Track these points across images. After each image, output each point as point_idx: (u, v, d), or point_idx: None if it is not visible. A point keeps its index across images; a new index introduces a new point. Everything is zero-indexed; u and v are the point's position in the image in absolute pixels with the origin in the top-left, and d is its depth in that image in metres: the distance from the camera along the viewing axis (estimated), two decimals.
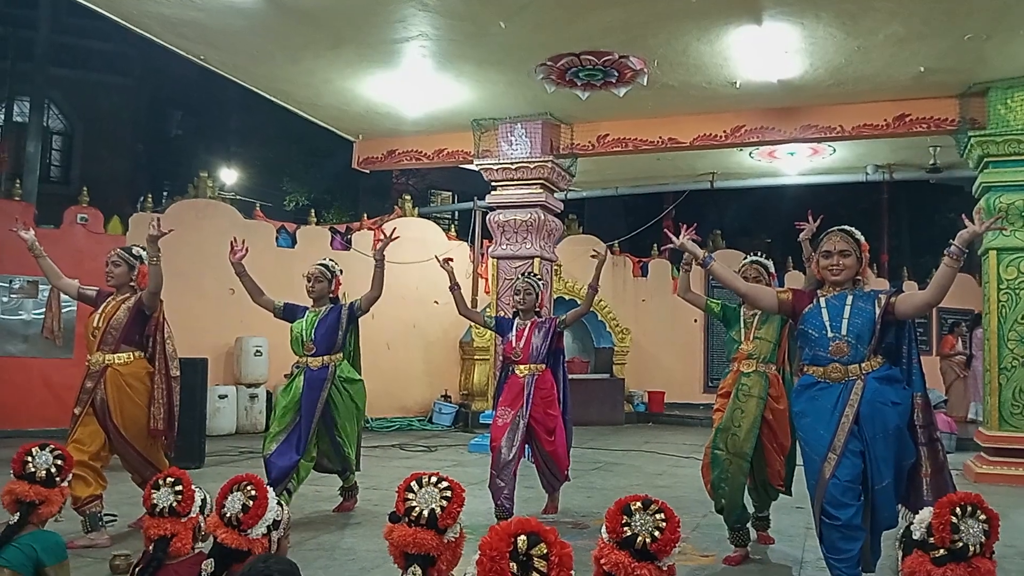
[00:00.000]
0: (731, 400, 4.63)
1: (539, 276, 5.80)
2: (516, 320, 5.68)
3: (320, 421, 5.33)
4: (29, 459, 2.70)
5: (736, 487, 4.54)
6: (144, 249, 5.02)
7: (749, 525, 4.74)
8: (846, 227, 3.74)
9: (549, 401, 5.48)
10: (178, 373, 5.10)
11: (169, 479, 2.50)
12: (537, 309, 5.70)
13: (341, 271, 5.73)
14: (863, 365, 3.49)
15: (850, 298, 3.59)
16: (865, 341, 3.50)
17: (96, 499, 4.70)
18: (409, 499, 2.08)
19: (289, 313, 5.58)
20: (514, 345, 5.52)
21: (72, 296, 5.39)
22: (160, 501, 2.44)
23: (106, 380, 4.86)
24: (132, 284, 5.10)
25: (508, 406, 5.46)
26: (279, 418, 5.36)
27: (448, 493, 2.08)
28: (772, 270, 4.95)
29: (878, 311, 3.51)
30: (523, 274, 5.86)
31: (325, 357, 5.39)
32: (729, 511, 4.56)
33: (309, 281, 5.54)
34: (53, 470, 2.69)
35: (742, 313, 4.83)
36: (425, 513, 2.04)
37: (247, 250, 5.38)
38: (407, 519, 2.05)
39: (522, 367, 5.48)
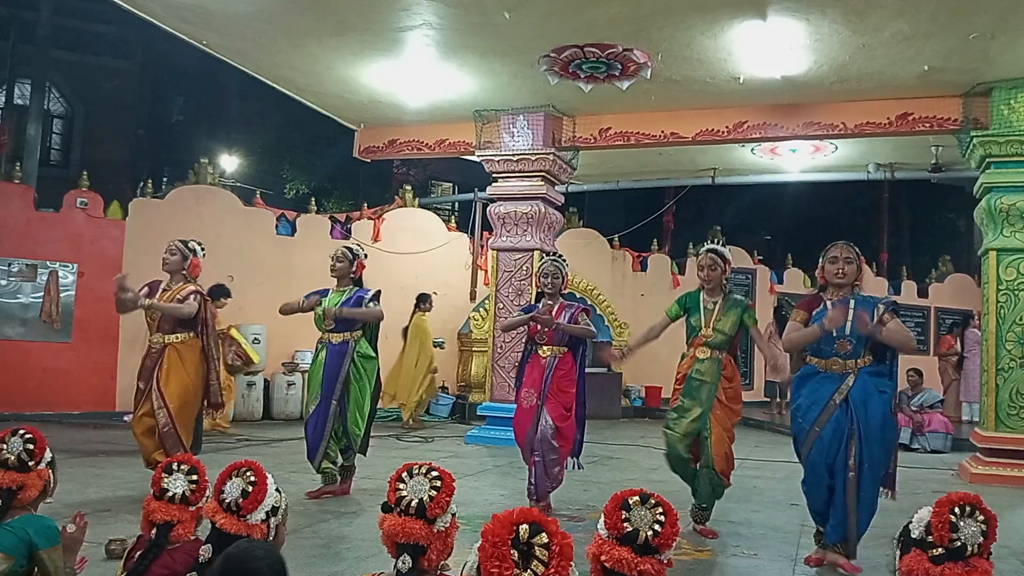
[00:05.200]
0: (685, 384, 5.01)
1: (565, 259, 5.75)
2: (541, 304, 5.63)
3: (342, 393, 5.66)
4: (3, 446, 2.70)
5: (680, 461, 5.04)
6: (199, 243, 5.67)
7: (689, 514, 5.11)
8: (847, 241, 4.34)
9: (568, 380, 5.45)
10: (217, 354, 5.77)
11: (183, 466, 2.47)
12: (563, 291, 5.64)
13: (365, 255, 6.03)
14: (859, 361, 4.18)
15: (852, 303, 4.20)
16: (864, 342, 4.15)
17: None
18: (400, 489, 2.09)
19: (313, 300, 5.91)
20: (540, 327, 5.48)
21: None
22: (173, 487, 2.42)
23: (164, 355, 5.41)
24: (184, 272, 5.58)
25: (532, 387, 5.44)
26: (310, 392, 5.80)
27: (437, 483, 2.08)
28: (728, 256, 5.17)
29: (876, 319, 4.13)
30: (549, 255, 5.80)
31: (346, 334, 5.69)
32: (683, 478, 5.10)
33: (331, 260, 5.87)
34: (24, 455, 2.69)
35: (702, 300, 5.10)
36: (414, 503, 2.05)
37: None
38: (398, 509, 2.06)
39: (545, 348, 5.45)
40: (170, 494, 2.41)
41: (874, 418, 4.10)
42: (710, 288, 5.10)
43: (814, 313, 4.28)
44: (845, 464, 4.14)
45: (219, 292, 8.56)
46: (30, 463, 2.69)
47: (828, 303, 4.24)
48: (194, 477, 2.46)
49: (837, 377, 4.19)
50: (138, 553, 2.39)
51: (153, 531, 2.40)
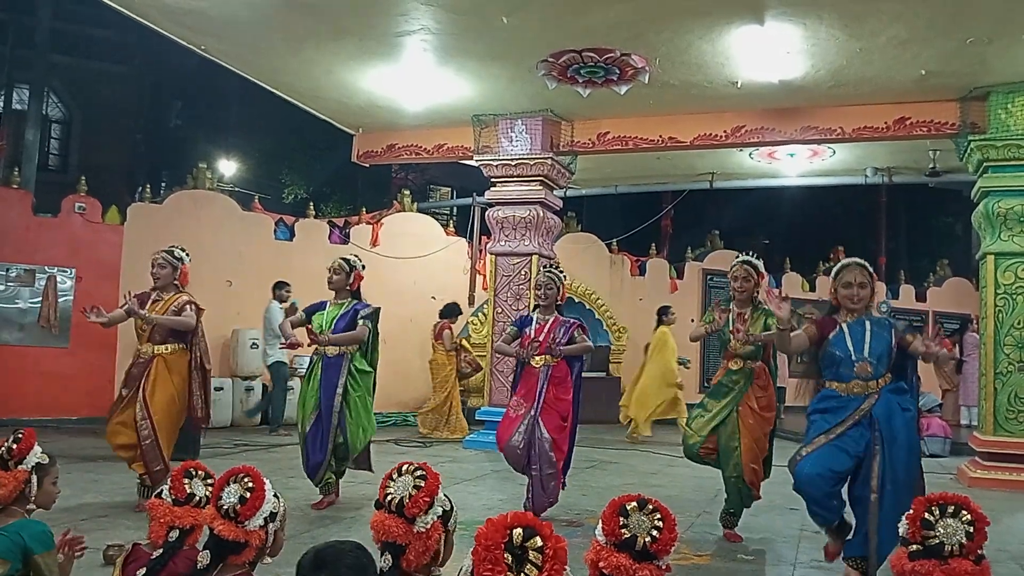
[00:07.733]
0: (714, 388, 5.17)
1: (561, 269, 5.70)
2: (536, 315, 5.58)
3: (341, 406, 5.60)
4: None
5: (694, 456, 5.17)
6: (183, 250, 5.61)
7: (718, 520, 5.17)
8: (860, 260, 4.23)
9: (564, 388, 5.39)
10: (210, 366, 5.64)
11: (199, 471, 2.52)
12: (558, 303, 5.58)
13: (364, 266, 5.88)
14: (880, 381, 4.04)
15: (868, 323, 4.11)
16: (884, 362, 4.05)
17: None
18: (388, 486, 2.11)
19: (311, 314, 5.83)
20: (532, 338, 5.43)
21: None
22: (198, 491, 2.45)
23: (153, 365, 5.34)
24: (176, 283, 5.53)
25: (522, 398, 5.39)
26: (304, 405, 5.68)
27: (420, 482, 2.08)
28: (762, 270, 5.19)
29: (893, 340, 4.06)
30: (545, 267, 5.75)
31: (341, 347, 5.61)
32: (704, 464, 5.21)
33: (328, 272, 5.78)
34: (4, 454, 2.72)
35: (732, 310, 5.13)
36: (395, 500, 2.05)
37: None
38: (383, 506, 2.08)
39: (538, 358, 5.40)
40: (197, 498, 2.45)
41: (899, 435, 3.95)
42: (740, 300, 5.10)
43: (830, 337, 4.15)
44: (867, 484, 3.95)
45: (453, 311, 8.73)
46: (9, 463, 2.71)
47: (844, 325, 4.14)
48: (210, 480, 2.50)
49: (859, 398, 4.06)
50: (156, 553, 2.38)
51: (175, 534, 2.41)
